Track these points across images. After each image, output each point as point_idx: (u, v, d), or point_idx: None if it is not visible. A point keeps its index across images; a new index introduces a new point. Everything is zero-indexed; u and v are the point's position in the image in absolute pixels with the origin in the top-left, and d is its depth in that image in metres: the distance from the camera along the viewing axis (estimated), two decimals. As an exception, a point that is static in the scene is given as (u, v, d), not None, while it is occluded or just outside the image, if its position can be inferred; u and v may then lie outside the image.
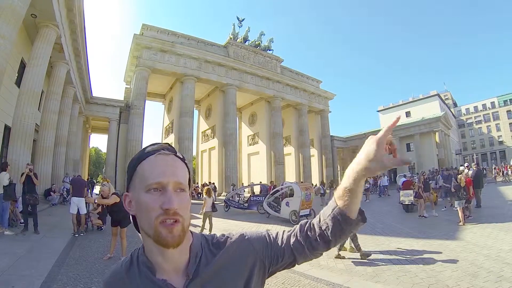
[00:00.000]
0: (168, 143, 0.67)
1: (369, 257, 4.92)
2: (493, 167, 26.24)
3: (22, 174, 6.40)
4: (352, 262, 4.85)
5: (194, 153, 27.67)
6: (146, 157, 0.61)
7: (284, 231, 0.73)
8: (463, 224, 7.25)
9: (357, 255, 5.05)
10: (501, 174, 22.98)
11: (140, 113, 19.43)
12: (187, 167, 0.65)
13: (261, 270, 0.67)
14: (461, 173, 9.09)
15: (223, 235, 0.72)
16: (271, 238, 0.71)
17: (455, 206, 7.73)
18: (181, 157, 0.65)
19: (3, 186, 6.01)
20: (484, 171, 23.64)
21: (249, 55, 25.16)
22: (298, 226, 0.71)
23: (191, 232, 0.68)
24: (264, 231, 0.73)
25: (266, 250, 0.68)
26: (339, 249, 5.13)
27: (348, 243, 5.33)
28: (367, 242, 6.15)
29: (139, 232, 0.67)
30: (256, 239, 0.69)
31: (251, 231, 0.73)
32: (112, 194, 5.07)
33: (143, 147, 0.67)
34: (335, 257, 5.03)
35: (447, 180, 10.39)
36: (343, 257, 5.03)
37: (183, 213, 0.59)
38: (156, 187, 0.58)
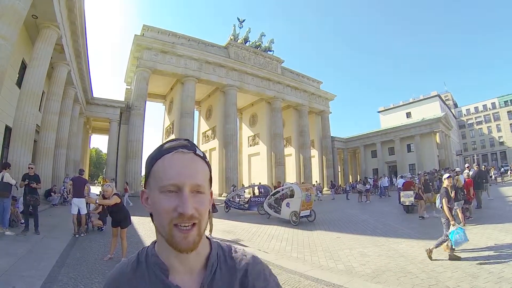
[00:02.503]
0: (188, 139, 0.62)
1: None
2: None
3: (23, 178, 6.39)
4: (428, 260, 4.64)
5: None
6: (162, 156, 0.57)
7: None
8: (464, 225, 7.23)
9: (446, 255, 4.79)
10: None
11: (140, 114, 19.48)
12: (207, 165, 0.61)
13: None
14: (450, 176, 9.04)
15: (242, 253, 0.67)
16: None
17: (454, 208, 7.71)
18: (202, 155, 0.60)
19: None
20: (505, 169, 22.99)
21: (250, 56, 25.21)
22: None
23: (209, 239, 0.64)
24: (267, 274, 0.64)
25: None
26: (436, 246, 4.75)
27: (445, 244, 4.88)
28: (367, 242, 6.17)
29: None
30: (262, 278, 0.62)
31: (260, 263, 0.66)
32: (113, 194, 5.07)
33: (162, 143, 0.61)
34: (426, 250, 4.79)
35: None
36: (430, 257, 4.73)
37: (200, 216, 0.55)
38: (171, 189, 0.54)
